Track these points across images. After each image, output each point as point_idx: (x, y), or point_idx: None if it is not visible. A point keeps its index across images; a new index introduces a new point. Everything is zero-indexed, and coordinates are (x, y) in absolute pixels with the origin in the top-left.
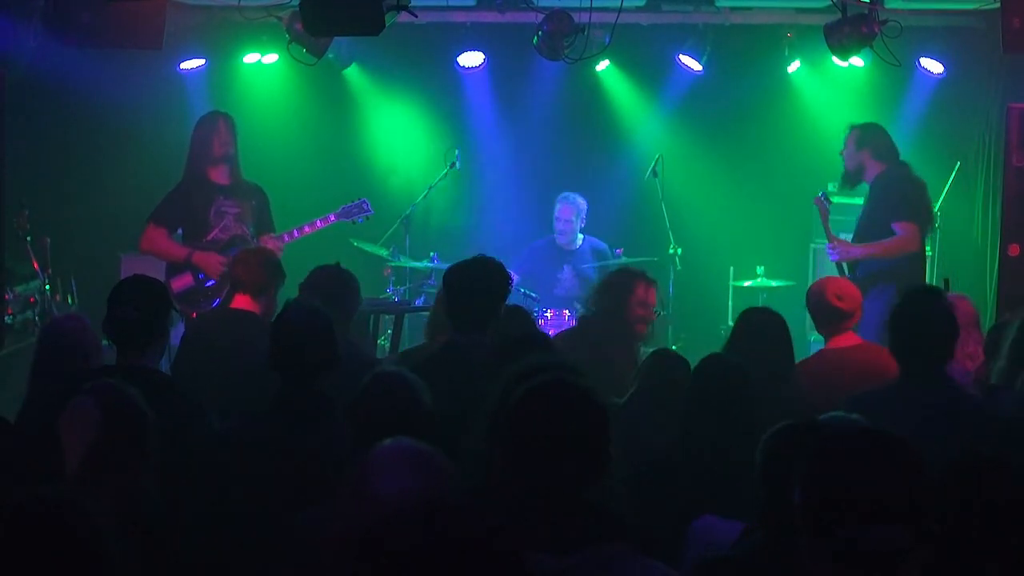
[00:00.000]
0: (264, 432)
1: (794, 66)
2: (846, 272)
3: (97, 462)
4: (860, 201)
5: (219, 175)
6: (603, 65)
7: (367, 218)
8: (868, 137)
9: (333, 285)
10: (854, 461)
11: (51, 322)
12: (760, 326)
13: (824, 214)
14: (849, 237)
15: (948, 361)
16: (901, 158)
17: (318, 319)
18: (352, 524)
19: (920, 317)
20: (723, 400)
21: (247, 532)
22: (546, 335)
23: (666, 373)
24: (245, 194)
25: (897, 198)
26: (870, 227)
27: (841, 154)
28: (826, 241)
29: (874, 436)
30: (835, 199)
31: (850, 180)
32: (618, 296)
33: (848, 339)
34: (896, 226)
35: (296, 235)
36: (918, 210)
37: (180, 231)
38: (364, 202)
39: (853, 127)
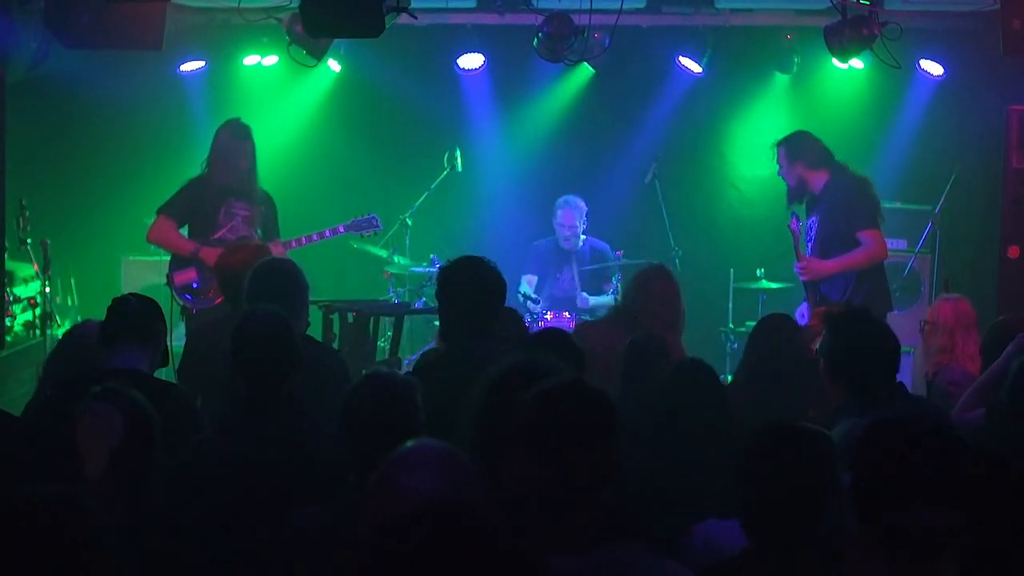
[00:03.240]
0: (234, 436)
1: (794, 68)
2: (814, 291)
3: (118, 466)
4: None
5: (235, 180)
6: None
7: (375, 233)
8: (796, 149)
9: (279, 281)
10: (904, 446)
11: (79, 326)
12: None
13: (797, 237)
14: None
15: (894, 376)
16: (837, 159)
17: (277, 325)
18: (358, 523)
19: (856, 343)
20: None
21: (231, 534)
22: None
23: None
24: (256, 200)
25: (855, 206)
26: (831, 240)
27: (779, 175)
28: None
29: (922, 423)
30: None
31: (796, 195)
32: (640, 293)
33: None
34: (861, 235)
35: (304, 242)
36: (877, 213)
37: (188, 227)
38: (374, 217)
39: (778, 144)
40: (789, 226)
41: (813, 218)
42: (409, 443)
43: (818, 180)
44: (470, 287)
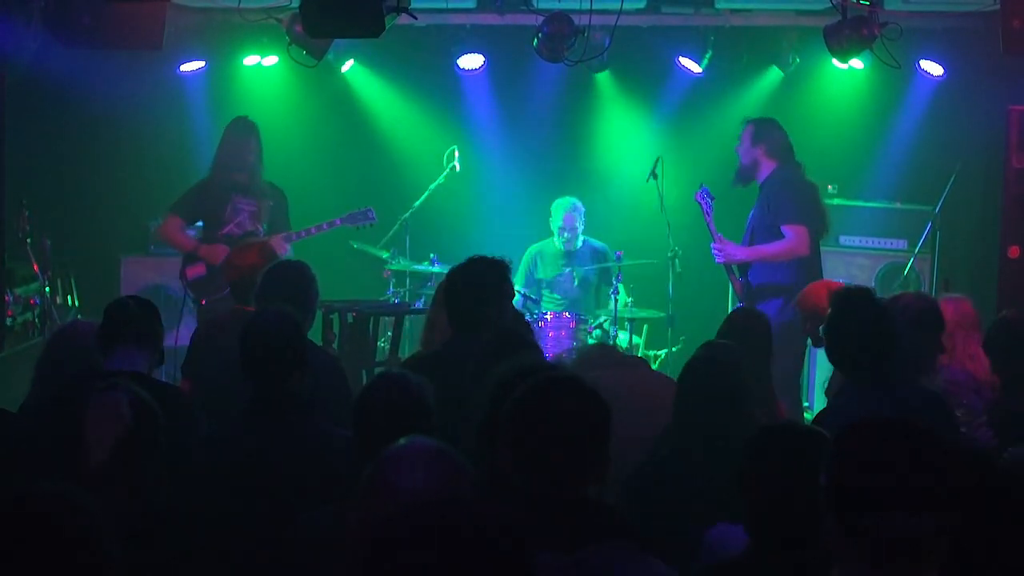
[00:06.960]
0: (241, 434)
1: (794, 68)
2: (737, 275)
3: (122, 459)
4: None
5: (241, 177)
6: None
7: (371, 225)
8: (764, 133)
9: (290, 284)
10: (881, 447)
11: (68, 325)
12: (746, 327)
13: (707, 211)
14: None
15: (891, 358)
16: (796, 158)
17: (286, 323)
18: (362, 525)
19: (855, 324)
20: (713, 391)
21: (233, 533)
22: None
23: None
24: (262, 194)
25: (787, 200)
26: (761, 230)
27: (736, 150)
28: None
29: (902, 424)
30: (836, 200)
31: (743, 177)
32: None
33: None
34: (785, 228)
35: (303, 235)
36: (808, 212)
37: (200, 224)
38: (369, 210)
39: (749, 121)
40: (695, 197)
41: (754, 208)
42: (401, 441)
43: (766, 168)
44: (462, 287)
